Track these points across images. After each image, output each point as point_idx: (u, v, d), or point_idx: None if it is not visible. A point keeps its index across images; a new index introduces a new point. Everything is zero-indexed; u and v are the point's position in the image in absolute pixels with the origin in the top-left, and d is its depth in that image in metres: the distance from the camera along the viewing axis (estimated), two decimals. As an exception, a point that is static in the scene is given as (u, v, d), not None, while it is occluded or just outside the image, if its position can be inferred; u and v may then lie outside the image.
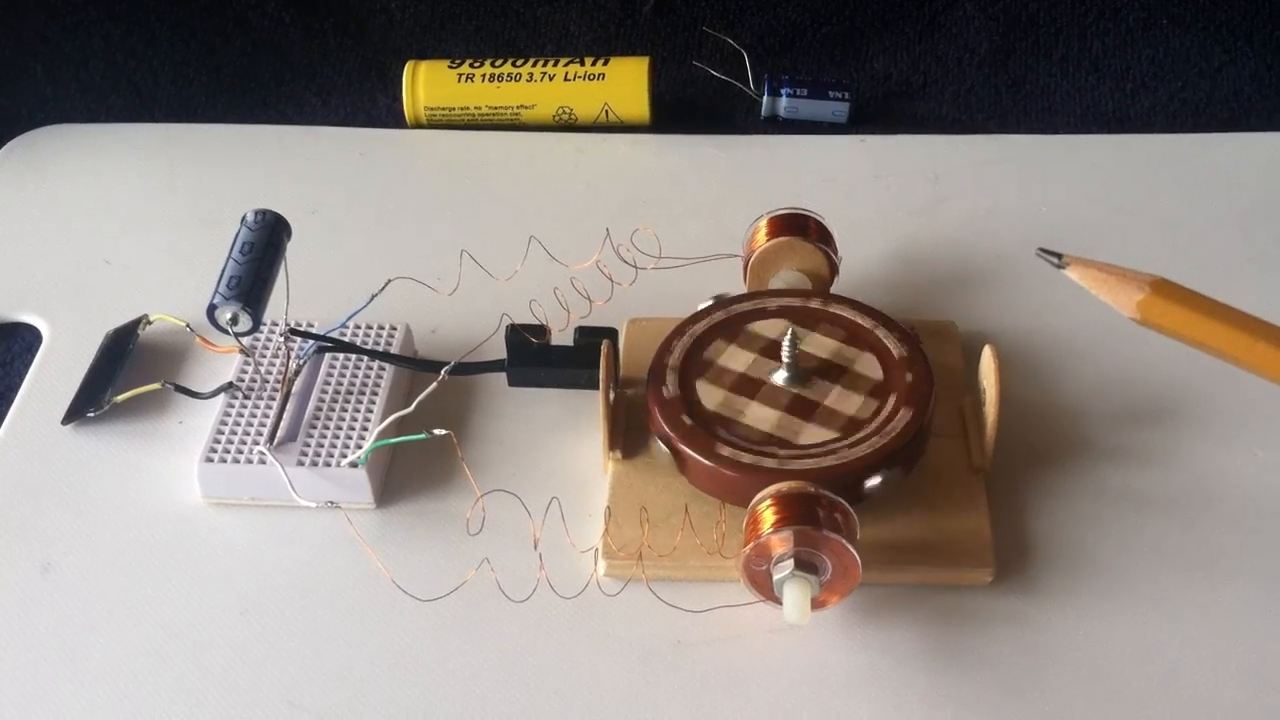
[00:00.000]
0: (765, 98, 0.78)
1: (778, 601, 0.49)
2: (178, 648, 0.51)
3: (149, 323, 0.63)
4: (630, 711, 0.49)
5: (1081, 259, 0.49)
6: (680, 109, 0.80)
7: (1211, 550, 0.53)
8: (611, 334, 0.58)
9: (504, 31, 0.83)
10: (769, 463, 0.52)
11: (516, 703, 0.49)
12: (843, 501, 0.50)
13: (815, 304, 0.59)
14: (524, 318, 0.58)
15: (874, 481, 0.52)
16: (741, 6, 0.83)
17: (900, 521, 0.53)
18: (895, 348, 0.57)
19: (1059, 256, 0.49)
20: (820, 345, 0.57)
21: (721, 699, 0.49)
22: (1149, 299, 0.48)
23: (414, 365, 0.60)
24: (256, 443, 0.56)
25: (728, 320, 0.58)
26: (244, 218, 0.55)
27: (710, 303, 0.59)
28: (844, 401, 0.55)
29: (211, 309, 0.53)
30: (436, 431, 0.53)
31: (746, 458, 0.52)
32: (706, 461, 0.53)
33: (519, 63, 0.78)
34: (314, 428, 0.56)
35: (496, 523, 0.53)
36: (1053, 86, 0.81)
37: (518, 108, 0.77)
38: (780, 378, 0.56)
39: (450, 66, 0.78)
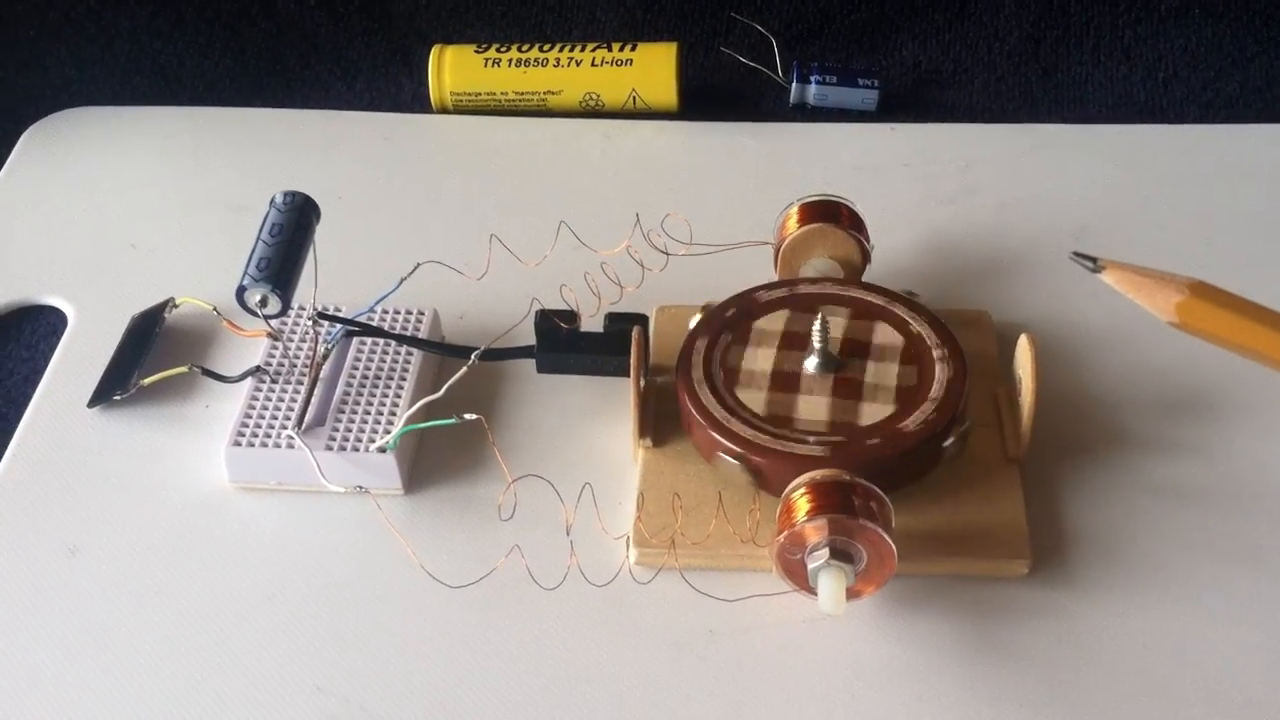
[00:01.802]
0: (794, 85, 0.78)
1: (812, 591, 0.49)
2: (204, 632, 0.51)
3: (175, 306, 0.63)
4: (662, 701, 0.49)
5: (1117, 263, 0.48)
6: (708, 95, 0.79)
7: (1251, 542, 0.53)
8: (642, 320, 0.57)
9: (530, 16, 0.83)
10: (852, 446, 0.52)
11: (546, 691, 0.49)
12: (878, 490, 0.49)
13: (830, 291, 0.59)
14: (553, 303, 0.57)
15: (950, 441, 0.53)
16: (770, -8, 0.83)
17: (935, 512, 0.53)
18: (902, 313, 0.57)
19: (1094, 261, 0.48)
20: (845, 327, 0.57)
21: (755, 689, 0.49)
22: (1188, 302, 0.47)
23: (442, 350, 0.59)
24: (284, 427, 0.55)
25: (751, 310, 0.58)
26: (273, 199, 0.55)
27: (699, 317, 0.58)
28: (884, 374, 0.54)
29: (241, 291, 0.52)
30: (467, 416, 0.52)
31: (821, 451, 0.52)
32: (791, 468, 0.52)
33: (545, 48, 0.77)
34: (342, 412, 0.56)
35: (526, 509, 0.52)
36: (1084, 76, 0.80)
37: (544, 93, 0.77)
38: (813, 365, 0.55)
39: (476, 51, 0.77)
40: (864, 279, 0.61)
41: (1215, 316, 0.47)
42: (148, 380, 0.58)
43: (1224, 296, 0.47)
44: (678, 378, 0.55)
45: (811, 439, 0.52)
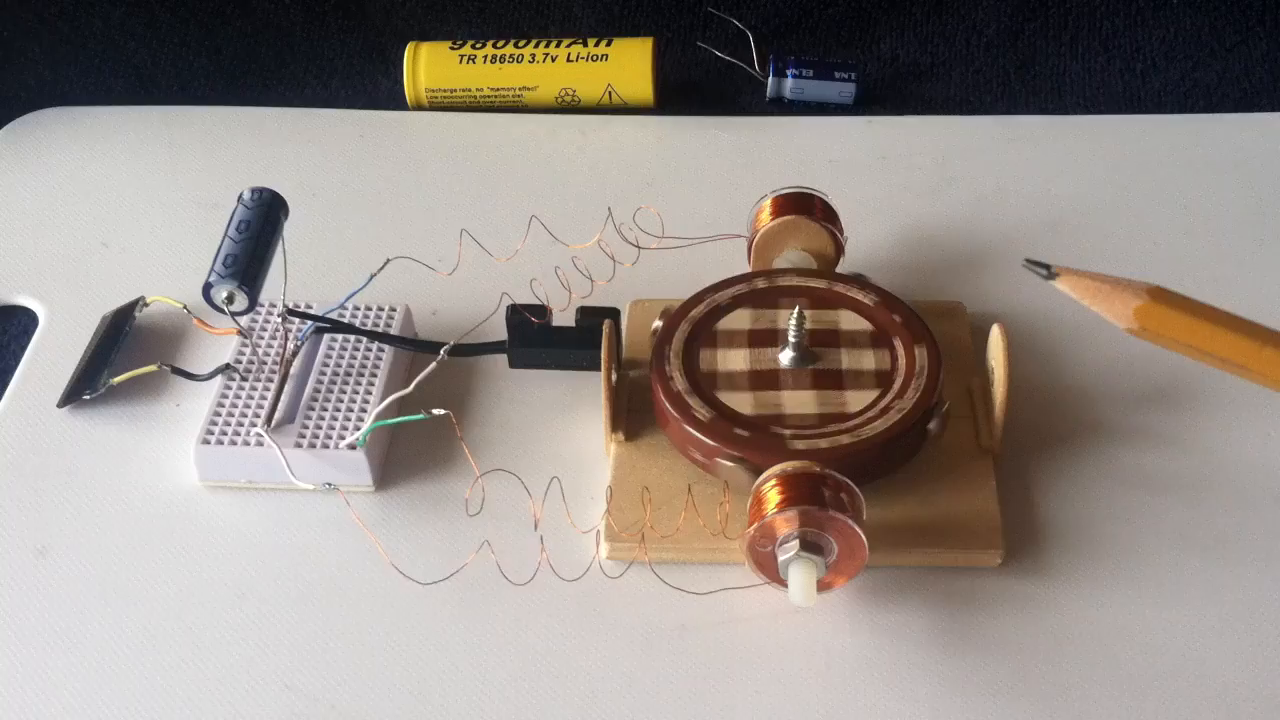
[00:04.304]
0: (771, 79, 0.77)
1: (783, 584, 0.48)
2: (174, 632, 0.51)
3: (146, 304, 0.62)
4: (633, 696, 0.48)
5: (1072, 270, 0.47)
6: (685, 90, 0.79)
7: (1223, 531, 0.53)
8: (614, 314, 0.57)
9: (506, 12, 0.82)
10: (798, 444, 0.51)
11: (517, 688, 0.49)
12: (848, 481, 0.49)
13: (804, 283, 0.58)
14: (525, 298, 0.57)
15: (932, 422, 0.53)
16: (747, -14, 0.82)
17: (908, 503, 0.52)
18: (889, 314, 0.57)
19: (1048, 268, 0.47)
20: (818, 320, 0.57)
21: (726, 683, 0.48)
22: (1146, 306, 0.46)
23: (413, 346, 0.59)
24: (254, 425, 0.55)
25: (724, 303, 0.57)
26: (240, 196, 0.55)
27: (658, 324, 0.58)
28: (859, 371, 0.54)
29: (207, 288, 0.52)
30: (435, 411, 0.52)
31: (765, 437, 0.52)
32: (732, 450, 0.52)
33: (521, 44, 0.77)
34: (312, 409, 0.56)
35: (497, 505, 0.52)
36: (1062, 67, 0.80)
37: (520, 89, 0.76)
38: (787, 358, 0.55)
39: (452, 48, 0.77)
40: (838, 271, 0.60)
41: (1175, 321, 0.46)
42: (117, 379, 0.58)
43: (1183, 301, 0.46)
44: (653, 373, 0.55)
45: (790, 432, 0.52)
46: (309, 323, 0.58)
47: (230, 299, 0.52)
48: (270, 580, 0.52)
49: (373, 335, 0.58)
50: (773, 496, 0.48)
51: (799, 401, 0.53)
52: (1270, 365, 0.46)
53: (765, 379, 0.54)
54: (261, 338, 0.59)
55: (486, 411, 0.58)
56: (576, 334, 0.57)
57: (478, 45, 0.77)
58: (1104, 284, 0.46)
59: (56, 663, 0.50)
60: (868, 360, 0.55)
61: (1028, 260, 0.47)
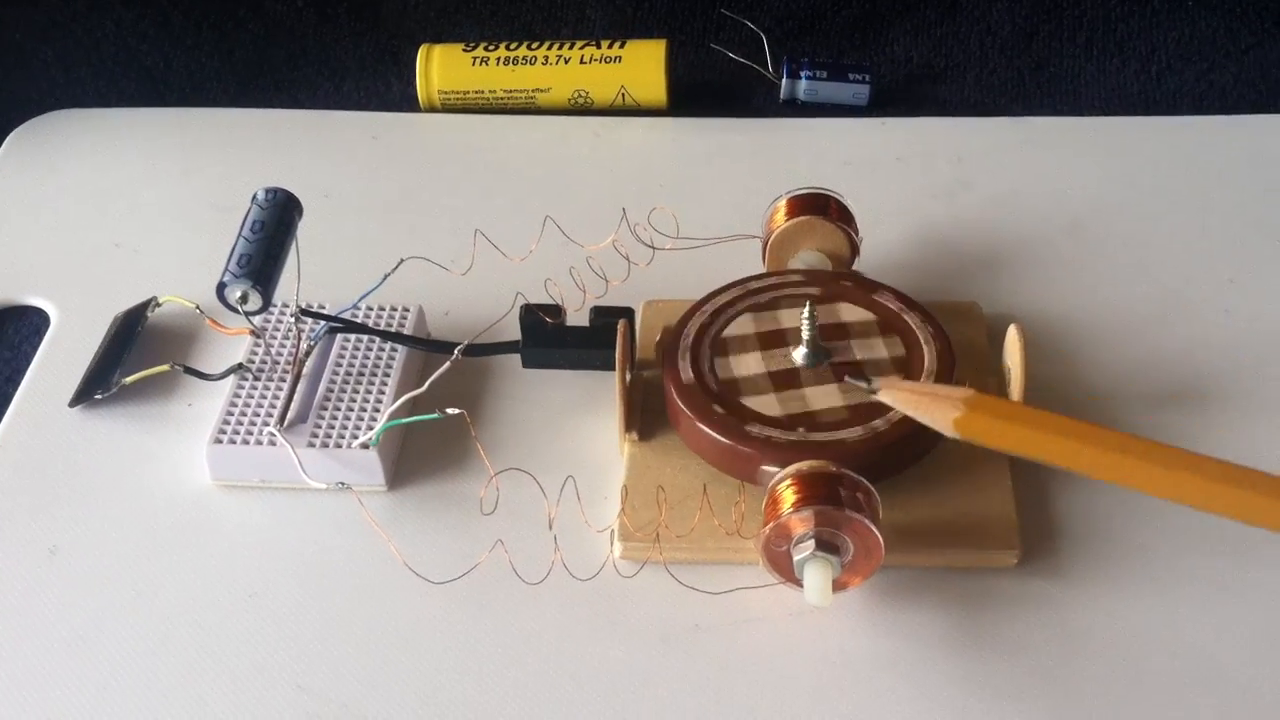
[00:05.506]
0: (784, 80, 0.77)
1: (798, 583, 0.48)
2: (185, 631, 0.50)
3: (158, 304, 0.62)
4: (647, 696, 0.48)
5: (892, 381, 0.49)
6: (698, 92, 0.79)
7: (1241, 531, 0.51)
8: (628, 314, 0.57)
9: (519, 14, 0.82)
10: (803, 438, 0.51)
11: (530, 687, 0.48)
12: (864, 481, 0.49)
13: (819, 283, 0.58)
14: (539, 298, 0.57)
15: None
16: (760, -12, 0.82)
17: (924, 503, 0.52)
18: (904, 314, 0.56)
19: (869, 382, 0.49)
20: (833, 319, 0.56)
21: (741, 683, 0.48)
22: (965, 418, 0.47)
23: (426, 346, 0.59)
24: (266, 424, 0.55)
25: (738, 302, 0.57)
26: (255, 196, 0.55)
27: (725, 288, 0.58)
28: (873, 351, 0.54)
29: (221, 287, 0.52)
30: (449, 410, 0.52)
31: (779, 436, 0.51)
32: (746, 449, 0.51)
33: (534, 45, 0.77)
34: (325, 409, 0.55)
35: (510, 504, 0.52)
36: (1077, 69, 0.80)
37: (533, 91, 0.76)
38: (800, 355, 0.54)
39: (464, 50, 0.77)
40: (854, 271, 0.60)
41: (994, 430, 0.47)
42: (129, 379, 0.58)
43: (1002, 407, 0.48)
44: (664, 373, 0.55)
45: (770, 424, 0.52)
46: (322, 323, 0.57)
47: (244, 298, 0.52)
48: (282, 580, 0.52)
49: (386, 335, 0.58)
50: (788, 496, 0.48)
51: (813, 398, 0.53)
52: (1096, 465, 0.46)
53: (779, 377, 0.54)
54: (274, 338, 0.59)
55: (500, 411, 0.58)
56: (590, 334, 0.57)
57: (490, 47, 0.77)
58: (923, 396, 0.48)
59: (67, 662, 0.49)
60: (879, 354, 0.55)
61: (848, 377, 0.51)
